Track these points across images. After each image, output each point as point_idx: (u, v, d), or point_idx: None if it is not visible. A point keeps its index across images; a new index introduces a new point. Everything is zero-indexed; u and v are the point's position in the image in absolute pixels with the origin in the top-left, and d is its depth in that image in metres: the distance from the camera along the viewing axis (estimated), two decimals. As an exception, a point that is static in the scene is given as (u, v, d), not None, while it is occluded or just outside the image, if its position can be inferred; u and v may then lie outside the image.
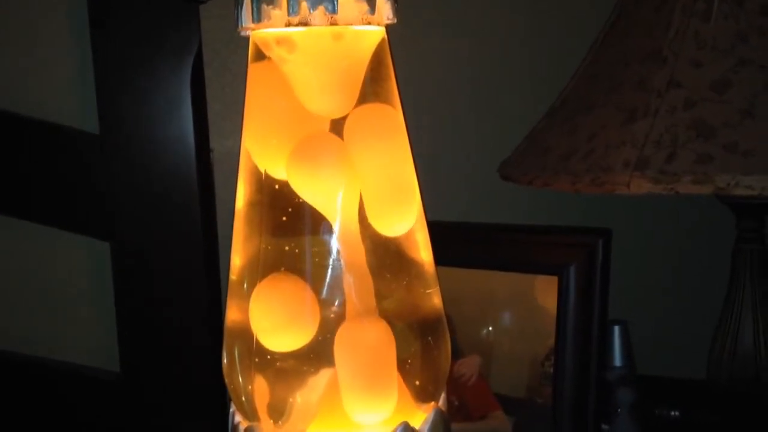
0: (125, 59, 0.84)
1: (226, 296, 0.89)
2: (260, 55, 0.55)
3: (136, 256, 0.87)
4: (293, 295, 0.53)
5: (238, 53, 0.94)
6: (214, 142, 0.91)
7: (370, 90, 0.54)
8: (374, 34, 0.55)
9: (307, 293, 0.53)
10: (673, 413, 0.90)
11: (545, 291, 0.79)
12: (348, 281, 0.53)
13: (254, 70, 0.56)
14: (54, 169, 0.88)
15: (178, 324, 0.88)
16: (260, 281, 0.54)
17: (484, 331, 0.83)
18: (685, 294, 1.05)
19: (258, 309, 0.54)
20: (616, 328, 0.86)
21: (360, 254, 0.53)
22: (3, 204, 0.89)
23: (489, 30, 1.00)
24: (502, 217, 0.97)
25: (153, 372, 0.89)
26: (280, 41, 0.53)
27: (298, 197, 0.53)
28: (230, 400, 0.58)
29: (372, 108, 0.55)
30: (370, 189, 0.54)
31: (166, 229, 0.86)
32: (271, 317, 0.54)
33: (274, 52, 0.54)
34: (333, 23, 0.52)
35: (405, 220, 0.56)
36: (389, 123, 0.56)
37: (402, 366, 0.54)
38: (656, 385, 0.91)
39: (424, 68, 0.98)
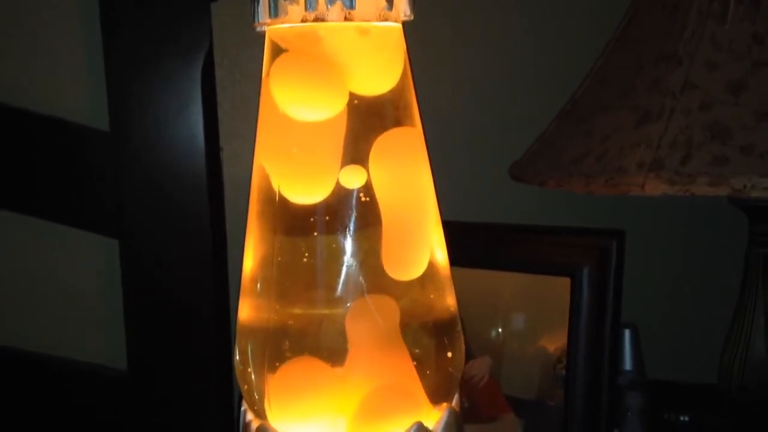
0: (136, 57, 0.84)
1: (233, 294, 0.89)
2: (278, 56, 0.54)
3: (144, 254, 0.87)
4: (315, 391, 0.53)
5: (249, 52, 0.93)
6: (224, 141, 0.91)
7: None
8: (394, 30, 0.55)
9: (330, 380, 0.52)
10: (682, 418, 0.89)
11: (557, 292, 0.78)
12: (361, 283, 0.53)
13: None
14: (63, 166, 0.88)
15: (186, 322, 0.88)
16: (277, 365, 0.53)
17: (495, 332, 0.82)
18: (696, 298, 1.04)
19: (279, 406, 0.53)
20: (626, 332, 0.85)
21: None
22: (12, 201, 0.89)
23: (497, 30, 1.00)
24: (508, 218, 0.97)
25: (160, 369, 0.88)
26: (300, 37, 0.53)
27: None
28: (240, 397, 0.58)
29: (393, 140, 0.54)
30: (390, 235, 0.53)
31: (174, 227, 0.86)
32: (293, 415, 0.53)
33: (293, 45, 0.53)
34: (349, 19, 0.52)
35: (419, 269, 0.55)
36: (412, 157, 0.55)
37: (416, 366, 0.54)
38: (666, 390, 0.91)
39: (434, 67, 0.98)
